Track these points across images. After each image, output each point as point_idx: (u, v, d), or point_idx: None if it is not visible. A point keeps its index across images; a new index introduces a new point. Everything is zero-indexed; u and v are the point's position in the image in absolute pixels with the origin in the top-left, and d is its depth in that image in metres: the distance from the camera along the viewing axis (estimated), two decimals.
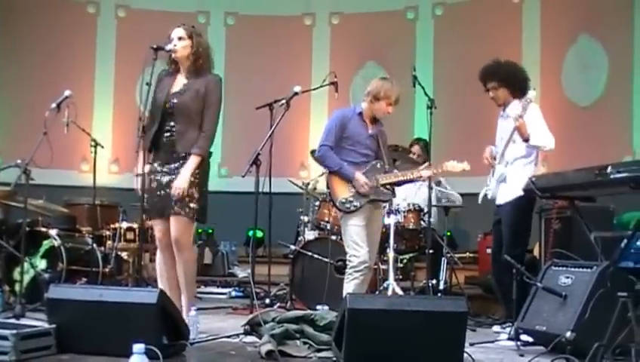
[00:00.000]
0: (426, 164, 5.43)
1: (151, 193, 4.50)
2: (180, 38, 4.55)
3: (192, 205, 4.47)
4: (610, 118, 7.95)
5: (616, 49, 7.99)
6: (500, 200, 5.24)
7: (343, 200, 5.06)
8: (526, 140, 5.04)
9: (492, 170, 5.31)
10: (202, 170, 4.53)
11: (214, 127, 4.58)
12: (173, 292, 4.48)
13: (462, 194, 6.95)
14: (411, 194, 6.74)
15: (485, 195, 5.33)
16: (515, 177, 5.05)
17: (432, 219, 6.57)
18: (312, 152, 5.31)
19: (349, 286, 4.94)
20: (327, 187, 5.24)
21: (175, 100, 4.52)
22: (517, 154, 5.15)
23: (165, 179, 4.50)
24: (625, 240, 4.12)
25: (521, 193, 4.85)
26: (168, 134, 4.53)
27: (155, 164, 4.55)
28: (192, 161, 4.44)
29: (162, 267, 4.62)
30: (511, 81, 5.27)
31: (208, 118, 4.53)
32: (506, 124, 5.25)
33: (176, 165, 4.49)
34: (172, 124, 4.52)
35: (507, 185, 5.14)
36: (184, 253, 4.51)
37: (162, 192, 4.49)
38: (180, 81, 4.60)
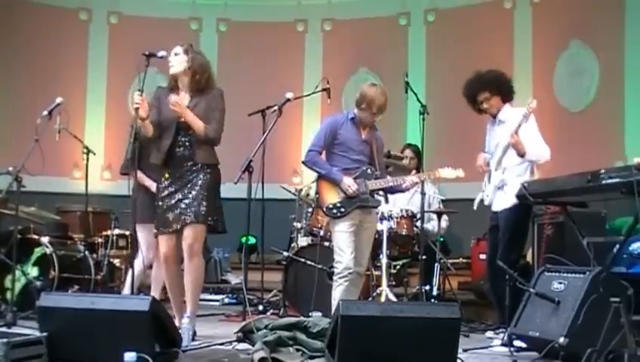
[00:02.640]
0: (414, 172, 5.43)
1: (162, 205, 4.55)
2: (175, 54, 4.60)
3: (207, 214, 4.52)
4: (602, 123, 7.97)
5: (608, 54, 8.02)
6: (497, 207, 5.22)
7: (330, 206, 5.08)
8: (522, 156, 5.03)
9: (487, 176, 5.30)
10: (215, 180, 4.60)
11: (221, 126, 4.61)
12: (176, 301, 4.63)
13: (455, 200, 6.96)
14: (405, 201, 6.76)
15: (481, 201, 5.33)
16: (514, 184, 5.01)
17: (431, 224, 6.61)
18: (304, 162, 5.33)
19: (336, 292, 4.98)
20: (316, 192, 5.26)
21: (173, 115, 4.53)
22: (515, 161, 5.13)
23: (178, 192, 4.52)
24: (617, 246, 4.13)
25: (517, 201, 4.85)
26: (183, 148, 4.55)
27: (166, 176, 4.57)
28: (194, 117, 4.49)
29: (170, 280, 4.67)
30: (500, 87, 5.26)
31: (215, 118, 4.57)
32: (501, 130, 5.23)
33: (189, 178, 4.53)
34: (187, 138, 4.55)
35: (505, 192, 5.12)
36: (195, 260, 4.57)
37: (171, 203, 4.52)
38: (184, 98, 4.61)
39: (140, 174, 5.53)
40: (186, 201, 4.51)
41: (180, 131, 4.56)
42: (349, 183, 5.03)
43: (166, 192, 4.55)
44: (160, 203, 4.56)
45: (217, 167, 4.65)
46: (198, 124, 4.50)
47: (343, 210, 5.05)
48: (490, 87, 5.26)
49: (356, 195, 5.04)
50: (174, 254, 4.59)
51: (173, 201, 4.52)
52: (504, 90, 5.27)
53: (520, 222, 5.16)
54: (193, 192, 4.51)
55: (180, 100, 4.49)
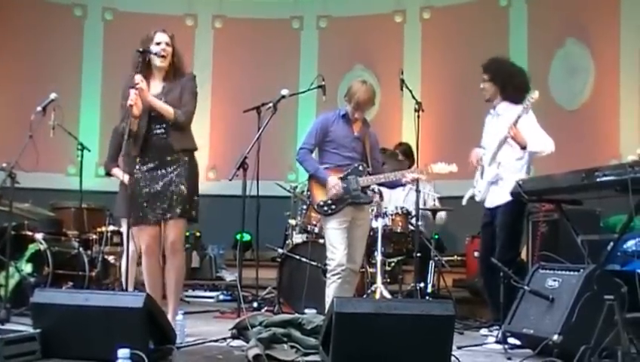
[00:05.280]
0: (414, 166, 5.43)
1: (141, 197, 4.51)
2: (167, 45, 4.60)
3: (189, 209, 4.54)
4: (597, 121, 7.98)
5: (603, 53, 8.02)
6: (491, 204, 5.21)
7: (321, 203, 5.09)
8: (524, 148, 5.00)
9: (480, 172, 5.28)
10: (194, 168, 4.62)
11: (193, 110, 4.60)
12: (156, 298, 4.49)
13: (449, 198, 6.96)
14: (400, 198, 6.76)
15: (472, 197, 5.31)
16: (510, 181, 4.98)
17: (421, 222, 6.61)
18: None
19: (329, 290, 4.99)
20: (308, 190, 5.27)
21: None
22: (511, 156, 5.11)
23: (158, 183, 4.51)
24: (611, 243, 4.14)
25: (513, 197, 4.82)
26: (158, 137, 4.53)
27: (144, 168, 4.54)
28: (160, 103, 4.47)
29: (151, 273, 4.63)
30: (501, 82, 5.21)
31: (187, 101, 4.56)
32: (497, 123, 5.22)
33: (170, 168, 4.52)
34: (161, 125, 4.54)
35: (500, 188, 5.10)
36: (178, 256, 4.60)
37: (152, 195, 4.50)
38: (157, 85, 4.61)
39: (117, 170, 5.62)
40: (168, 194, 4.50)
41: (154, 120, 4.53)
42: (332, 183, 5.04)
43: (145, 184, 4.52)
44: (139, 195, 4.51)
45: (194, 153, 4.67)
46: (165, 110, 4.48)
47: (333, 207, 5.06)
48: (493, 75, 5.23)
49: (340, 196, 5.04)
50: (157, 246, 4.58)
51: (153, 193, 4.50)
52: (503, 88, 5.20)
53: (516, 218, 5.15)
54: (175, 185, 4.51)
55: (146, 86, 4.45)
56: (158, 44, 4.55)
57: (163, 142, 4.54)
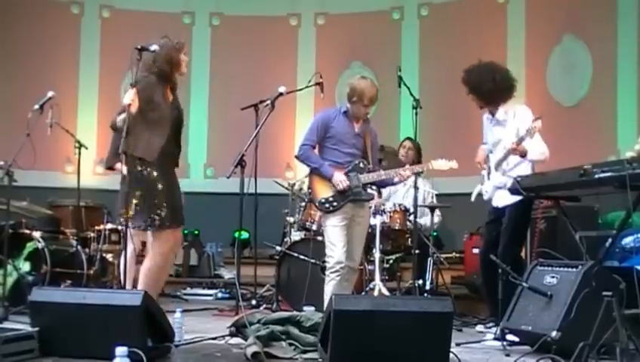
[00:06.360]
0: (407, 166, 5.42)
1: (161, 199, 4.55)
2: None
3: None
4: (595, 117, 7.99)
5: (601, 49, 8.02)
6: (499, 203, 5.16)
7: (323, 200, 5.08)
8: (523, 156, 4.96)
9: (487, 172, 5.24)
10: None
11: None
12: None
13: (449, 195, 6.96)
14: (400, 195, 6.76)
15: (479, 194, 5.28)
16: None
17: (423, 219, 6.61)
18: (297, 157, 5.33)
19: (328, 287, 4.98)
20: (309, 187, 5.25)
21: (176, 114, 4.65)
22: (516, 161, 5.06)
23: (171, 188, 4.61)
24: (609, 240, 4.14)
25: (522, 197, 4.78)
26: (173, 146, 4.63)
27: (162, 171, 4.57)
28: None
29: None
30: (481, 93, 5.17)
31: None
32: (500, 130, 5.18)
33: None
34: (178, 137, 4.71)
35: (506, 191, 5.05)
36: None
37: (174, 199, 4.62)
38: (169, 94, 4.68)
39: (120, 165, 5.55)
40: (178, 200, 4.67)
41: (173, 129, 4.62)
42: (340, 179, 5.02)
43: (167, 187, 4.57)
44: (164, 197, 4.54)
45: None
46: None
47: (335, 204, 5.05)
48: (472, 88, 5.20)
49: (348, 189, 5.04)
50: None
51: (172, 197, 4.59)
52: (491, 96, 5.15)
53: (523, 217, 5.11)
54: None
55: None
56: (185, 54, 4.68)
57: (175, 151, 4.68)
